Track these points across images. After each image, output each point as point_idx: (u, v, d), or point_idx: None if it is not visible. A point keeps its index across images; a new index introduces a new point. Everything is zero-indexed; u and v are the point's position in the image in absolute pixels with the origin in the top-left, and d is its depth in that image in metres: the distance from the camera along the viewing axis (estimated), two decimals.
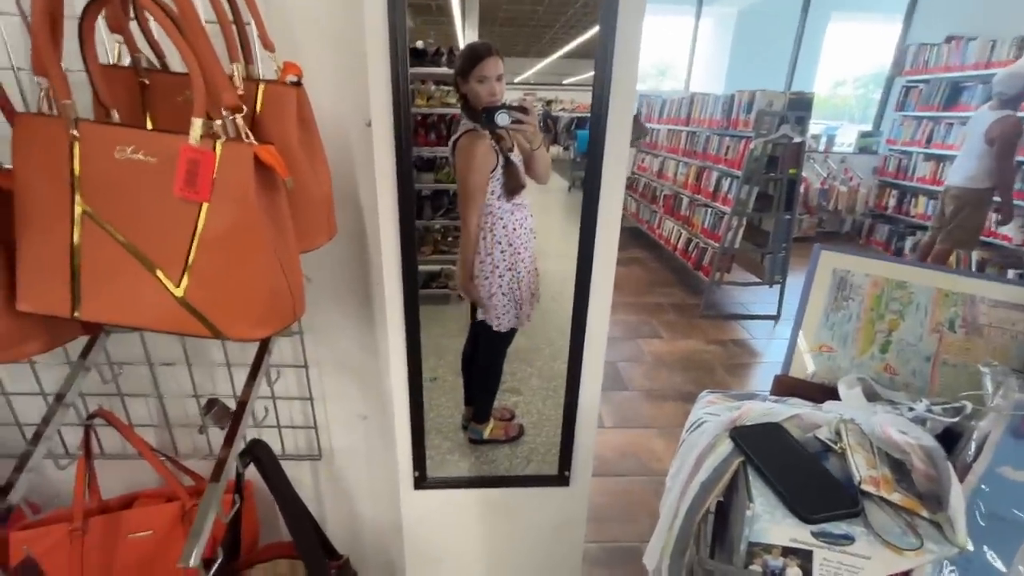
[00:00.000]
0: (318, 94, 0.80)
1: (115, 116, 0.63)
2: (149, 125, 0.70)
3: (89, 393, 1.04)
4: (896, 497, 0.59)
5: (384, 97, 0.79)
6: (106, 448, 1.10)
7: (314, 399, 1.11)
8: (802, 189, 5.01)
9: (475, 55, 0.98)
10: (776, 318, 3.43)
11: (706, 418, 0.86)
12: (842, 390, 0.82)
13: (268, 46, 0.71)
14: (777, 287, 3.44)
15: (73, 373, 0.87)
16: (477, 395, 1.31)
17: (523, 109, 0.98)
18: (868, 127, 5.63)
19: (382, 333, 1.07)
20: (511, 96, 1.02)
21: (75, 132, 0.56)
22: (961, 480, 0.59)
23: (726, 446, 0.73)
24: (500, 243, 1.11)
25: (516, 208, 1.10)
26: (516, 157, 1.08)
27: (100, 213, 0.57)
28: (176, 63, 0.76)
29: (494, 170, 1.05)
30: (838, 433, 0.70)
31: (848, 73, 6.59)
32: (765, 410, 0.76)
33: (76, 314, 0.60)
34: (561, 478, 1.11)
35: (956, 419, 0.66)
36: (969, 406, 0.66)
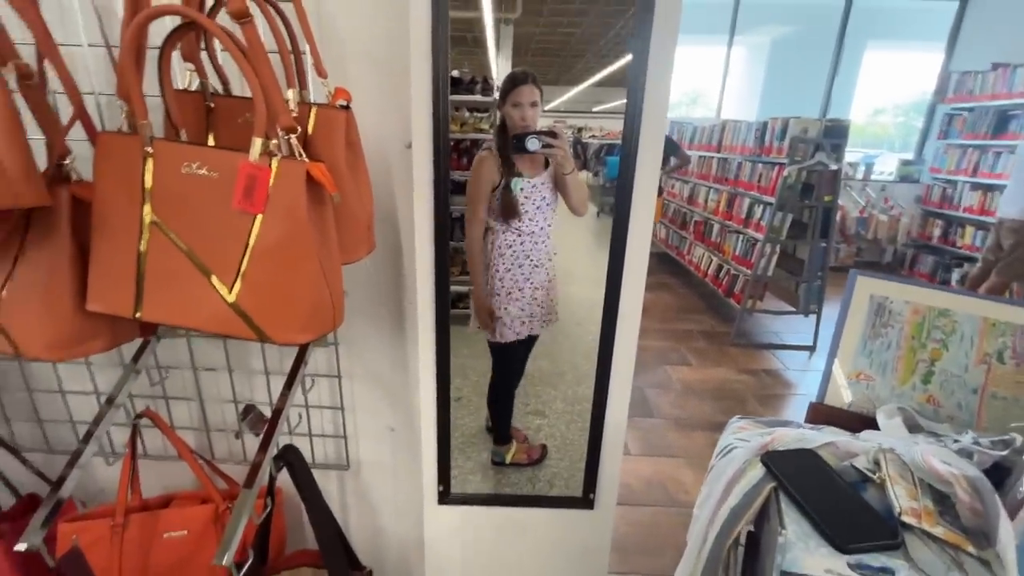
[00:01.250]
0: (363, 117, 0.85)
1: (183, 135, 0.69)
2: (211, 143, 0.76)
3: (137, 395, 1.10)
4: (939, 531, 0.56)
5: (425, 121, 0.84)
6: (149, 448, 1.15)
7: (345, 409, 1.14)
8: (839, 217, 4.90)
9: (512, 81, 1.03)
10: (812, 349, 3.32)
11: (736, 444, 0.84)
12: (881, 420, 0.80)
13: (322, 73, 0.77)
14: (812, 317, 3.33)
15: (125, 375, 0.93)
16: (493, 415, 1.31)
17: (552, 134, 1.01)
18: (909, 155, 5.48)
19: (412, 348, 1.10)
20: (543, 123, 1.06)
21: (149, 149, 0.62)
22: (1012, 518, 0.56)
23: (757, 471, 0.71)
24: (502, 263, 1.13)
25: (520, 232, 1.11)
26: (530, 184, 1.10)
27: (166, 222, 0.63)
28: (238, 88, 0.83)
29: (495, 190, 1.08)
30: (876, 462, 0.68)
31: (887, 101, 6.47)
32: (798, 436, 0.74)
33: (138, 315, 0.65)
34: (586, 500, 1.09)
35: (1005, 452, 0.63)
36: (1019, 439, 0.63)
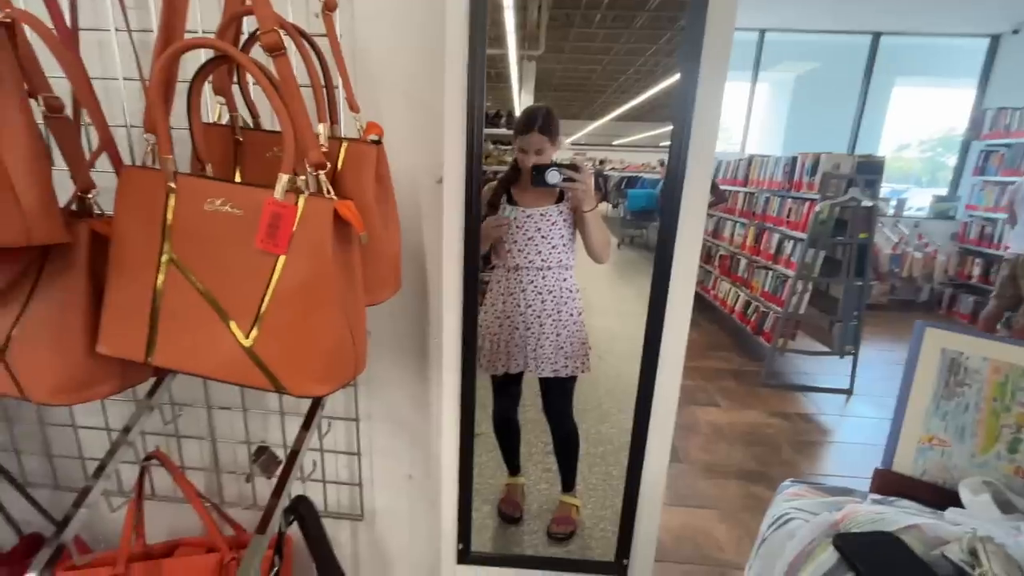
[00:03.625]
0: (393, 151, 0.82)
1: (209, 170, 0.66)
2: (238, 178, 0.73)
3: (149, 432, 1.05)
4: None
5: (458, 156, 0.80)
6: (157, 488, 1.10)
7: (361, 454, 1.08)
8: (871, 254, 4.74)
9: (523, 126, 0.99)
10: (848, 392, 3.14)
11: (794, 514, 0.75)
12: (965, 496, 0.70)
13: (354, 107, 0.74)
14: (849, 358, 3.17)
15: (138, 412, 0.88)
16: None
17: (575, 167, 0.97)
18: (940, 191, 5.33)
19: (435, 390, 1.04)
20: (562, 156, 1.02)
21: (172, 184, 0.59)
22: None
23: (828, 555, 0.62)
24: (504, 297, 1.07)
25: (506, 267, 1.05)
26: (524, 213, 1.03)
27: (184, 260, 0.59)
28: (268, 122, 0.81)
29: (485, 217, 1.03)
30: (973, 553, 0.58)
31: (912, 136, 6.39)
32: (875, 515, 0.65)
33: (149, 359, 0.60)
34: (618, 566, 0.99)
35: None
36: None
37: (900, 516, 0.65)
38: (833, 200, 2.96)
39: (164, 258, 0.59)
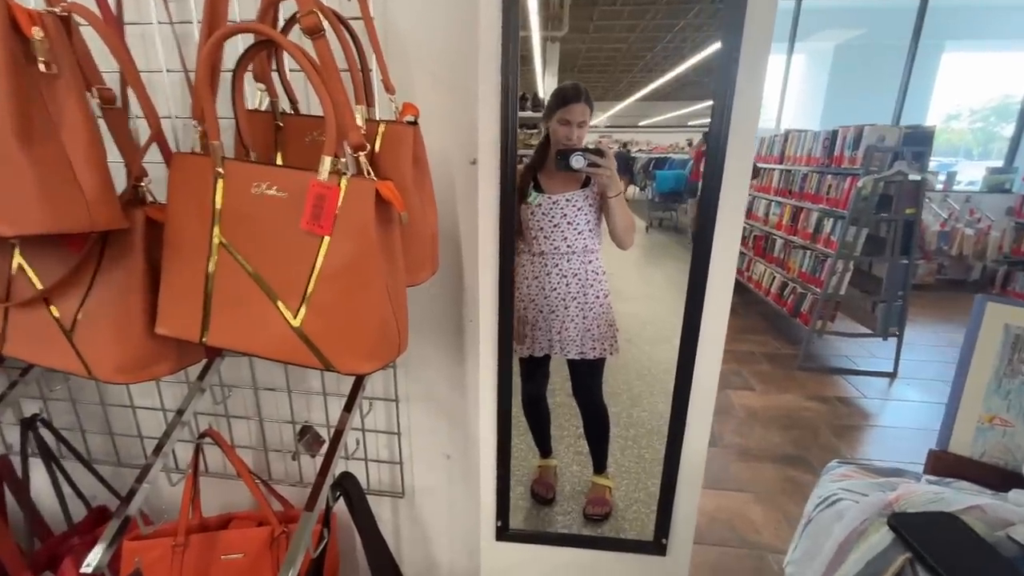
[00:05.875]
0: (427, 133, 0.82)
1: (253, 155, 0.68)
2: (279, 163, 0.75)
3: (201, 412, 1.11)
4: None
5: (492, 137, 0.80)
6: (210, 466, 1.16)
7: (401, 434, 1.10)
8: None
9: (563, 97, 0.98)
10: (892, 375, 3.02)
11: (843, 495, 0.73)
12: None
13: (390, 89, 0.74)
14: (893, 340, 3.05)
15: (191, 393, 0.93)
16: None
17: (600, 152, 0.95)
18: (994, 163, 5.00)
19: (472, 370, 1.05)
20: (589, 139, 1.01)
21: (220, 169, 0.60)
22: None
23: (882, 535, 0.60)
24: (531, 281, 1.07)
25: (531, 252, 1.04)
26: (550, 200, 1.03)
27: (234, 243, 0.61)
28: (306, 107, 0.82)
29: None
30: None
31: (963, 105, 5.99)
32: (933, 495, 0.63)
33: (203, 339, 0.63)
34: (657, 545, 0.99)
35: None
36: None
37: (960, 496, 0.62)
38: (877, 175, 2.82)
39: (215, 241, 0.61)
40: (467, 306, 1.02)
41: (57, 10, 0.54)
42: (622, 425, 1.33)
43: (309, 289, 0.59)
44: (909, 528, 0.58)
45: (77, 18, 0.57)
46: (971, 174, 5.13)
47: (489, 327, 0.91)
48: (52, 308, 0.66)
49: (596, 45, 1.04)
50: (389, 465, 1.14)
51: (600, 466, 1.20)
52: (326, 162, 0.57)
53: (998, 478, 0.70)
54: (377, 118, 0.74)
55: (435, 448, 1.12)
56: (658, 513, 0.98)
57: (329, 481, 0.83)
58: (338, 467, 0.92)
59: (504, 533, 1.03)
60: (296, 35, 0.63)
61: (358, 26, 0.71)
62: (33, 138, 0.51)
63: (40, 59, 0.51)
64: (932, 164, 5.08)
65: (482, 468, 1.00)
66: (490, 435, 0.97)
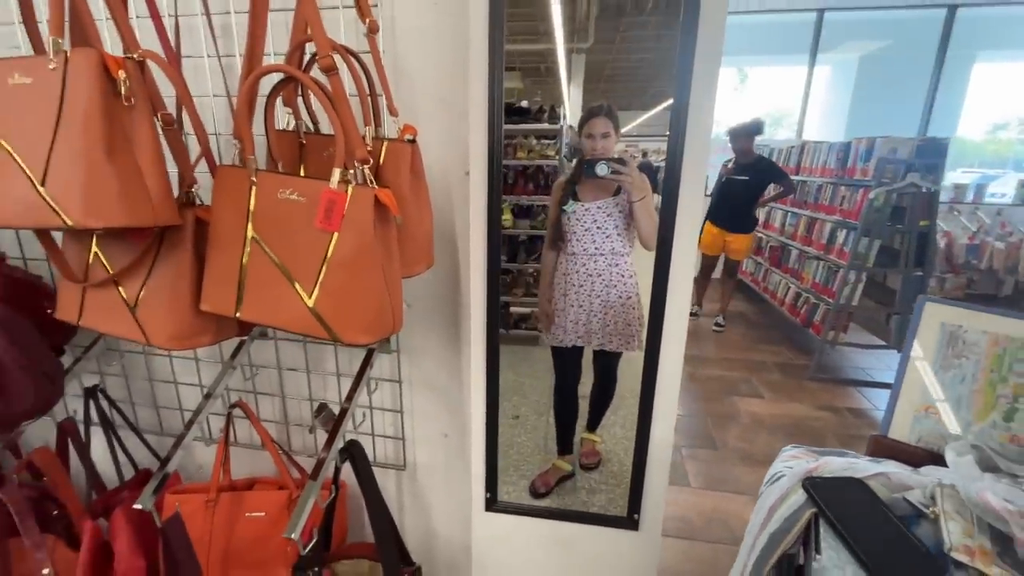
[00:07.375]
0: (429, 148, 0.96)
1: (280, 167, 0.83)
2: (302, 174, 0.90)
3: (232, 388, 1.27)
4: (995, 572, 0.53)
5: (481, 151, 0.93)
6: (239, 437, 1.32)
7: (404, 412, 1.24)
8: (943, 244, 4.42)
9: (588, 113, 1.11)
10: None
11: (784, 471, 0.82)
12: (950, 456, 0.74)
13: (393, 112, 0.88)
14: None
15: (224, 370, 1.09)
16: (555, 422, 1.36)
17: (621, 160, 1.07)
18: None
19: (467, 360, 1.18)
20: (618, 148, 1.12)
21: (254, 179, 0.75)
22: None
23: (798, 496, 0.70)
24: (556, 278, 1.21)
25: (567, 253, 1.17)
26: (583, 207, 1.16)
27: (263, 238, 0.75)
28: (326, 128, 0.97)
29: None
30: (932, 497, 0.64)
31: (1011, 115, 5.79)
32: (846, 464, 0.72)
33: (238, 314, 0.78)
34: (630, 520, 1.09)
35: None
36: None
37: (871, 466, 0.71)
38: (889, 186, 2.83)
39: (248, 236, 0.76)
40: (463, 303, 1.15)
41: (135, 55, 0.71)
42: (626, 426, 1.41)
43: (321, 275, 0.73)
44: (819, 489, 0.67)
45: (149, 62, 0.73)
46: (1006, 187, 4.99)
47: (479, 321, 1.03)
48: (120, 289, 0.82)
49: (622, 56, 1.08)
50: (393, 440, 1.27)
51: (594, 425, 1.33)
52: (336, 173, 0.71)
53: (926, 459, 0.78)
54: (384, 136, 0.88)
55: (434, 427, 1.25)
56: (630, 492, 1.08)
57: (335, 451, 0.96)
58: (347, 439, 1.06)
59: (492, 504, 1.15)
60: (317, 69, 0.77)
61: (369, 59, 0.86)
62: (115, 152, 0.67)
63: (123, 94, 0.67)
64: (974, 176, 4.95)
65: (473, 444, 1.12)
66: (480, 418, 1.10)
